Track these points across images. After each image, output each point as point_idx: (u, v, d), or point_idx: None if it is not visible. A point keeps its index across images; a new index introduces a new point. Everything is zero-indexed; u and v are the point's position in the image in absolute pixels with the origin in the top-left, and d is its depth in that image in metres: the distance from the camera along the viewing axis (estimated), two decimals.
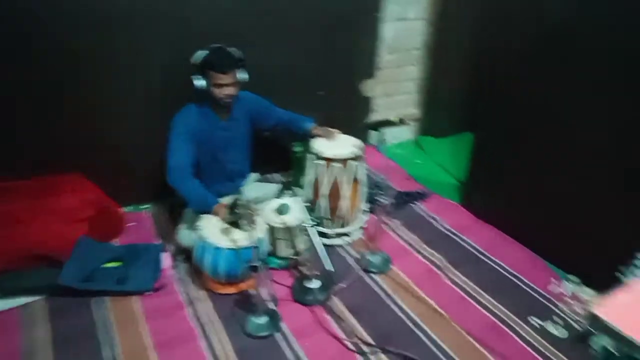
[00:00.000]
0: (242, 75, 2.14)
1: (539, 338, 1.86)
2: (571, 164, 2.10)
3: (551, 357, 1.79)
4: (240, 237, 1.91)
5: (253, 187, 2.38)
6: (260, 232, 1.97)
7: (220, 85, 2.08)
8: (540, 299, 2.07)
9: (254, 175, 2.54)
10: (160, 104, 2.28)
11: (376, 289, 2.10)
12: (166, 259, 2.15)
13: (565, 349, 1.81)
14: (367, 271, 2.20)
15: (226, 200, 2.09)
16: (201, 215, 2.02)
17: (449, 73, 3.29)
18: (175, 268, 2.14)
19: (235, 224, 1.97)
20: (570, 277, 2.18)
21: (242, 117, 2.31)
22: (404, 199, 2.74)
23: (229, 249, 1.88)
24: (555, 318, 1.96)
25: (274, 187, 2.36)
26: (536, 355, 1.79)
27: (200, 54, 2.07)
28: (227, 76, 2.07)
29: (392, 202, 2.41)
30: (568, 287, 2.13)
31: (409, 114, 3.46)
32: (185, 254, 2.16)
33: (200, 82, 2.07)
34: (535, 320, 1.94)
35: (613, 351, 1.71)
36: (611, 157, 1.95)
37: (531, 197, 2.34)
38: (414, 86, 3.40)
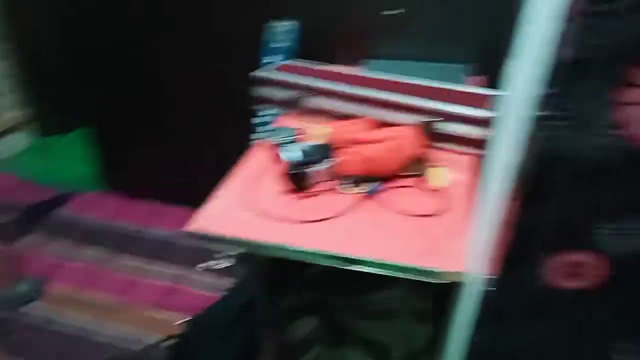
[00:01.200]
0: None
1: (209, 278, 2.03)
2: (178, 125, 2.27)
3: (220, 288, 1.96)
4: None
5: None
6: None
7: None
8: (201, 246, 2.21)
9: None
10: None
11: (32, 319, 1.82)
12: None
13: (232, 273, 2.02)
14: (17, 306, 1.85)
15: None
16: None
17: (49, 68, 2.92)
18: None
19: None
20: None
21: None
22: (41, 211, 2.40)
23: None
24: (215, 255, 2.14)
25: None
26: (210, 292, 1.95)
27: None
28: None
29: (17, 221, 2.07)
30: None
31: (14, 117, 2.97)
32: None
33: None
34: (201, 266, 2.09)
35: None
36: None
37: (158, 164, 2.42)
38: (8, 85, 2.91)
